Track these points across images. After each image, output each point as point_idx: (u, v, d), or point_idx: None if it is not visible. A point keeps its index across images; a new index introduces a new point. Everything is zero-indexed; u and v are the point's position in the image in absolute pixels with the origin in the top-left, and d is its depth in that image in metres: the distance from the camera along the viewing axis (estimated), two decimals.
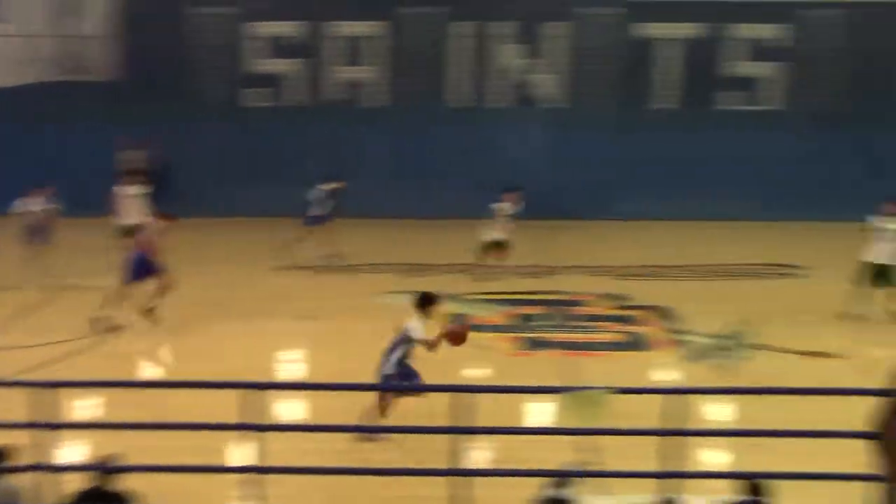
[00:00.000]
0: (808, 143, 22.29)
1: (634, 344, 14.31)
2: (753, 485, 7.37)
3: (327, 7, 24.49)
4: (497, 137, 22.35)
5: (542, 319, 15.34)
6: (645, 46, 26.03)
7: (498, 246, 17.47)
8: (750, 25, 26.22)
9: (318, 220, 18.71)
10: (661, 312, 15.59)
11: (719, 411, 11.56)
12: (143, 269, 14.64)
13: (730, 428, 10.80)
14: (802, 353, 13.68)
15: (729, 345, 14.01)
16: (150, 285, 14.78)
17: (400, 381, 10.42)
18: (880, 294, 15.38)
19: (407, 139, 22.16)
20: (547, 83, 25.89)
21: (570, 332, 14.80)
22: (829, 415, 9.48)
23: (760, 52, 26.31)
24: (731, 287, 17.28)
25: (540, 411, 11.44)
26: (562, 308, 15.86)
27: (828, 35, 26.57)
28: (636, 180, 21.90)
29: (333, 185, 18.73)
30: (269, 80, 24.56)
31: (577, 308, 15.94)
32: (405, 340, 10.53)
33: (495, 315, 15.60)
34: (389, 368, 10.51)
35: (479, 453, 10.02)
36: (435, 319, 10.78)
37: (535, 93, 25.57)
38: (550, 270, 18.01)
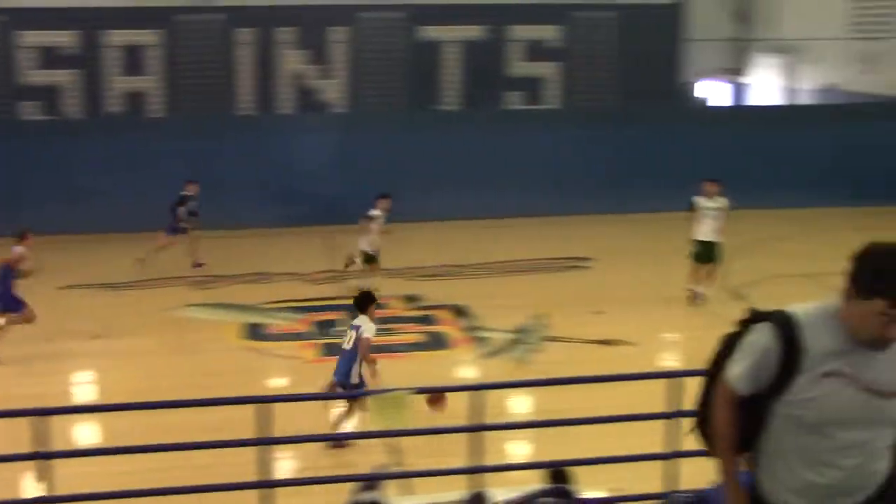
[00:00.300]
0: (586, 140, 22.99)
1: (434, 343, 14.44)
2: (558, 472, 7.54)
3: (101, 16, 23.60)
4: (284, 144, 22.03)
5: (340, 325, 15.26)
6: (428, 49, 26.38)
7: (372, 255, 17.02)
8: (528, 27, 26.96)
9: (177, 230, 18.34)
10: (458, 311, 15.80)
11: (520, 404, 11.83)
12: None
13: (531, 420, 11.05)
14: (594, 342, 14.15)
15: (524, 338, 14.33)
16: None
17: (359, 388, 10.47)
18: (703, 270, 16.17)
19: (191, 149, 21.53)
20: (332, 88, 25.88)
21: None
22: (623, 399, 9.85)
23: (538, 52, 27.11)
24: (524, 282, 17.69)
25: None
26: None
27: (600, 36, 27.65)
28: (425, 182, 22.06)
29: (187, 193, 18.39)
30: (44, 92, 23.52)
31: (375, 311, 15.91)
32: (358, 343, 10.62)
33: (293, 323, 15.42)
34: (355, 377, 10.58)
35: (286, 463, 9.88)
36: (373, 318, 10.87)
37: (320, 98, 25.50)
38: (343, 275, 17.96)
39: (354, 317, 11.06)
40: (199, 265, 18.60)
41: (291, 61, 25.52)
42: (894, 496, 4.05)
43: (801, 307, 3.98)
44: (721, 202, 16.17)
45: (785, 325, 3.90)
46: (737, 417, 4.08)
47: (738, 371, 4.06)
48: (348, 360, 10.71)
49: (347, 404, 10.80)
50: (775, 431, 4.01)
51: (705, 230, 16.12)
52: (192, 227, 18.49)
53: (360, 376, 10.70)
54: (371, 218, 16.49)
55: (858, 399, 3.83)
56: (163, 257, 18.40)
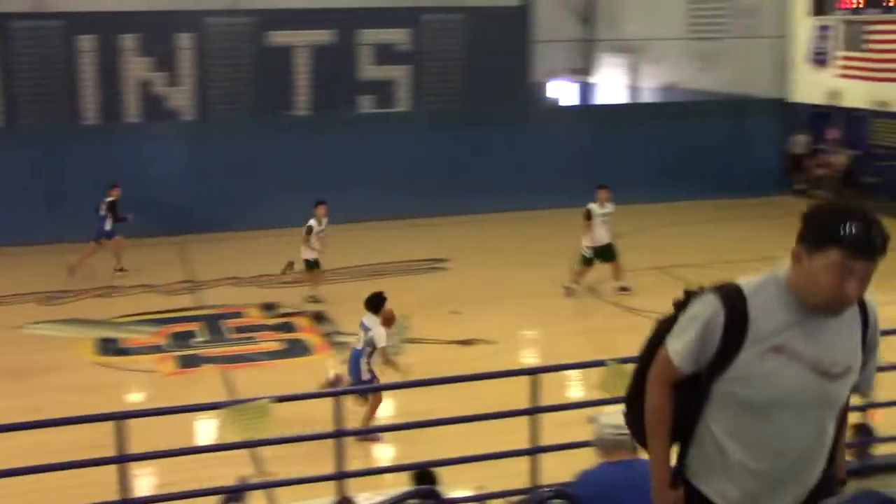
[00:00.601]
0: (438, 143, 23.16)
1: (295, 351, 14.34)
2: (423, 474, 7.60)
3: None
4: (132, 154, 21.49)
5: (198, 335, 15.01)
6: (278, 54, 26.18)
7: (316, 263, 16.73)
8: (377, 30, 27.00)
9: (105, 235, 18.09)
10: (317, 317, 15.71)
11: (383, 407, 11.84)
12: None
13: (394, 423, 11.09)
14: (454, 342, 14.29)
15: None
16: None
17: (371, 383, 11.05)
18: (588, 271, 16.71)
19: (32, 160, 20.79)
20: (180, 95, 25.43)
21: (228, 345, 14.58)
22: (484, 398, 9.98)
23: (388, 56, 27.20)
24: (382, 285, 17.54)
25: (204, 429, 11.19)
26: (217, 322, 15.58)
27: (449, 38, 27.90)
28: (278, 188, 21.87)
29: (110, 198, 18.14)
30: None
31: (232, 321, 15.72)
32: (370, 345, 11.23)
33: (149, 336, 15.07)
34: (366, 373, 11.16)
35: (148, 480, 9.66)
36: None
37: (168, 106, 25.02)
38: (199, 285, 17.66)
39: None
40: (122, 270, 18.39)
41: (137, 69, 24.95)
42: (830, 489, 3.80)
43: (746, 279, 3.69)
44: (612, 207, 16.80)
45: (731, 295, 3.61)
46: (672, 398, 3.77)
47: (679, 346, 3.71)
48: (357, 357, 11.37)
49: (364, 399, 11.04)
50: (712, 414, 3.72)
51: (600, 235, 16.58)
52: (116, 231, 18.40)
53: (371, 371, 11.28)
54: (311, 227, 16.56)
55: (804, 378, 3.57)
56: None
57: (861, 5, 23.47)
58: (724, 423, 3.68)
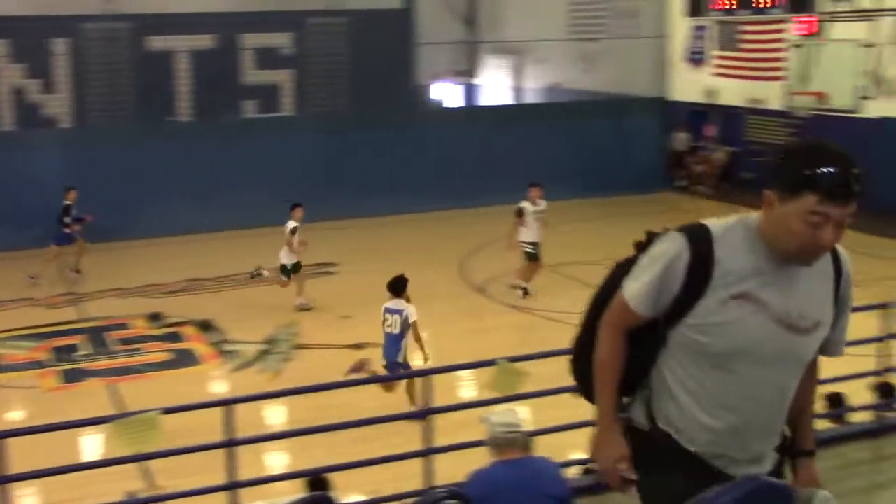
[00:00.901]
0: (324, 147, 23.04)
1: (182, 361, 14.08)
2: (316, 480, 7.54)
3: None
4: (7, 163, 20.82)
5: (81, 349, 14.62)
6: (158, 59, 25.70)
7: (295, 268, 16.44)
8: (260, 35, 26.72)
9: (66, 239, 18.04)
10: (204, 326, 15.46)
11: (274, 415, 11.73)
12: None
13: (285, 430, 10.96)
14: (346, 347, 14.23)
15: (275, 348, 14.22)
16: None
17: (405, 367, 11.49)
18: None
19: None
20: (56, 103, 24.76)
21: (114, 357, 14.24)
22: (377, 401, 9.97)
23: (272, 60, 26.94)
24: (271, 291, 17.50)
25: (90, 444, 10.90)
26: (101, 334, 15.19)
27: (332, 42, 27.76)
28: (161, 196, 21.48)
29: (67, 202, 18.06)
30: None
31: (117, 332, 15.35)
32: (405, 326, 11.61)
33: (29, 352, 14.61)
34: (402, 357, 11.62)
35: (31, 500, 9.38)
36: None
37: (44, 114, 24.32)
38: (82, 297, 17.21)
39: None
40: (77, 272, 18.30)
41: (9, 75, 24.19)
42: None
43: (714, 220, 3.39)
44: (544, 205, 17.00)
45: (697, 234, 3.33)
46: (625, 346, 3.48)
47: (637, 287, 3.40)
48: (395, 341, 11.62)
49: (390, 386, 11.37)
50: (669, 364, 3.44)
51: (533, 233, 16.72)
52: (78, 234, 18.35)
53: (405, 357, 11.66)
54: (293, 230, 16.61)
55: (769, 330, 3.31)
56: None
57: (734, 6, 24.15)
58: (681, 374, 3.43)
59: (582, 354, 3.66)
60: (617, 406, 3.58)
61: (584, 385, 3.67)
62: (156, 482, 9.36)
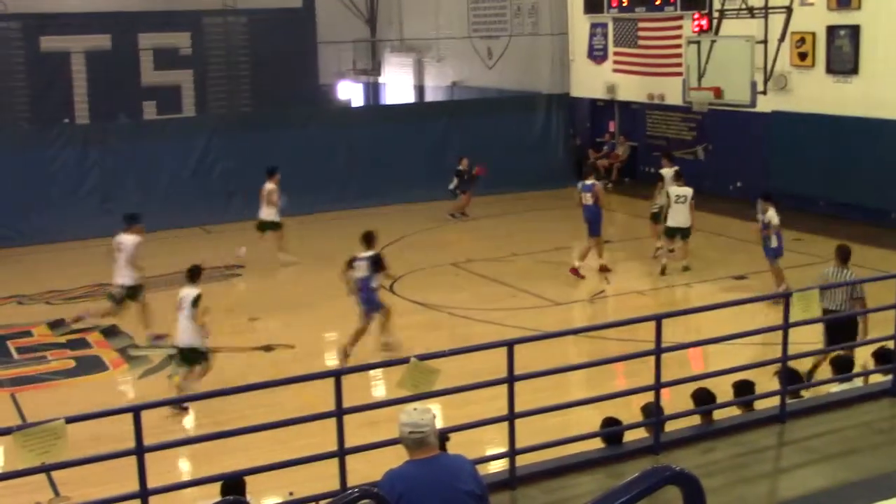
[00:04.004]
0: (225, 148, 22.76)
1: (89, 368, 13.79)
2: (231, 484, 7.48)
3: None
4: None
5: None
6: (53, 60, 25.15)
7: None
8: (158, 35, 26.34)
9: None
10: (109, 331, 15.18)
11: (184, 420, 11.61)
12: None
13: (198, 434, 10.86)
14: (254, 349, 14.13)
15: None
16: None
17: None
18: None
19: None
20: None
21: (16, 366, 13.89)
22: (290, 402, 9.93)
23: (170, 60, 26.58)
24: (176, 295, 17.23)
25: None
26: (2, 343, 14.79)
27: (232, 41, 27.50)
28: (57, 201, 21.03)
29: None
30: None
31: (19, 340, 14.97)
32: (374, 269, 13.37)
33: None
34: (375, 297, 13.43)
35: None
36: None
37: None
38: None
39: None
40: None
41: None
42: None
43: None
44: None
45: None
46: None
47: None
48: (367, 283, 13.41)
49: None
50: None
51: None
52: None
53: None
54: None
55: None
56: None
57: (630, 3, 24.52)
58: None
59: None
60: None
61: None
62: (63, 493, 9.18)
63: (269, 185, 18.50)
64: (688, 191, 16.93)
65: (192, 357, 12.18)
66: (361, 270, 13.43)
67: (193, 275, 12.44)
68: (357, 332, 13.35)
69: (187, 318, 12.10)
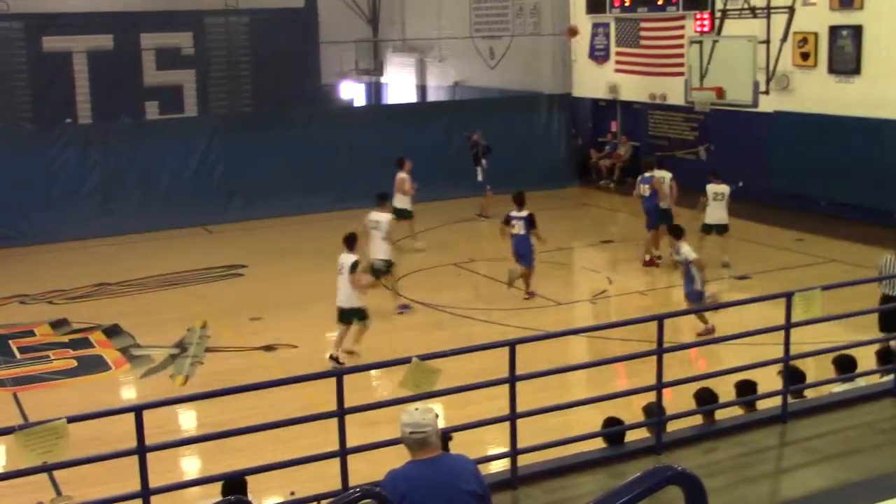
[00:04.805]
0: (228, 148, 22.75)
1: (91, 367, 13.79)
2: (232, 484, 7.48)
3: None
4: None
5: None
6: (55, 60, 25.16)
7: None
8: (160, 35, 26.34)
9: None
10: (111, 331, 15.19)
11: (187, 419, 11.61)
12: None
13: (200, 434, 10.86)
14: (257, 349, 14.13)
15: (186, 352, 14.05)
16: None
17: None
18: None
19: None
20: None
21: (19, 366, 13.90)
22: (292, 402, 9.93)
23: (172, 60, 26.57)
24: (179, 295, 17.28)
25: None
26: (5, 343, 14.80)
27: (234, 41, 27.48)
28: (60, 200, 21.02)
29: None
30: None
31: (22, 340, 14.98)
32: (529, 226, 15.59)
33: None
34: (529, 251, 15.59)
35: None
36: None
37: None
38: None
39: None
40: None
41: None
42: None
43: None
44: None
45: None
46: None
47: None
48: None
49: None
50: None
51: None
52: None
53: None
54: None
55: None
56: None
57: (632, 3, 24.50)
58: None
59: None
60: None
61: None
62: (66, 492, 9.19)
63: (401, 175, 19.11)
64: (725, 188, 17.16)
65: (353, 315, 13.47)
66: (518, 228, 15.63)
67: (351, 242, 13.49)
68: (523, 275, 15.69)
69: (347, 281, 13.19)
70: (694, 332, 13.67)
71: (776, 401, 8.53)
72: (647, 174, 17.70)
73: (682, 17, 23.03)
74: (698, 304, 13.55)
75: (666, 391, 8.22)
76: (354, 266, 13.22)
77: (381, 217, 15.48)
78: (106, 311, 16.15)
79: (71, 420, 6.89)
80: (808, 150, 20.24)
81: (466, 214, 22.31)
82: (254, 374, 12.48)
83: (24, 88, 25.01)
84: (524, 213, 15.70)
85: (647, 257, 17.64)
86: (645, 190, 17.53)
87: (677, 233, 14.29)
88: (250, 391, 8.66)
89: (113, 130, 22.85)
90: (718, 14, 21.58)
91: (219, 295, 17.11)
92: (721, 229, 17.15)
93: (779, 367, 8.62)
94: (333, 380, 7.19)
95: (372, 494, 5.09)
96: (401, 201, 18.87)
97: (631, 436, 8.23)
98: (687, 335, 13.52)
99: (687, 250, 13.93)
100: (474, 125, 22.93)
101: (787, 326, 8.37)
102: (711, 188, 17.18)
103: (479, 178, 22.09)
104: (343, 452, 7.17)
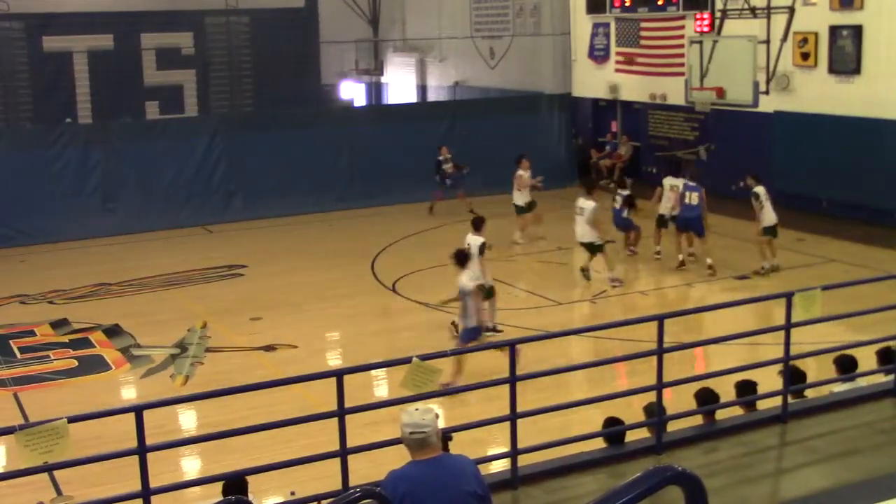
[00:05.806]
0: (227, 147, 22.73)
1: (91, 367, 13.80)
2: (234, 484, 7.48)
3: None
4: None
5: None
6: (56, 60, 25.15)
7: None
8: (160, 35, 26.33)
9: None
10: (112, 331, 15.19)
11: (188, 419, 11.62)
12: None
13: (201, 434, 10.86)
14: (258, 349, 14.13)
15: (186, 352, 14.05)
16: None
17: None
18: None
19: None
20: None
21: (19, 366, 13.90)
22: (292, 402, 9.94)
23: (173, 60, 26.57)
24: (179, 295, 17.28)
25: None
26: (6, 343, 14.79)
27: (235, 41, 27.48)
28: (60, 201, 21.01)
29: None
30: None
31: (22, 340, 14.98)
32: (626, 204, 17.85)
33: None
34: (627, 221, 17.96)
35: None
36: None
37: None
38: None
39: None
40: None
41: None
42: None
43: None
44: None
45: None
46: None
47: None
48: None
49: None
50: None
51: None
52: None
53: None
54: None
55: None
56: None
57: (632, 3, 24.49)
58: None
59: None
60: None
61: None
62: (67, 492, 9.19)
63: (519, 172, 19.69)
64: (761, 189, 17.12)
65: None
66: (617, 203, 18.10)
67: (477, 225, 14.30)
68: (635, 238, 18.22)
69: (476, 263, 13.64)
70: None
71: (776, 401, 8.53)
72: (690, 182, 17.60)
73: (683, 17, 23.01)
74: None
75: (666, 391, 8.22)
76: (482, 248, 13.98)
77: (587, 204, 16.83)
78: (106, 311, 16.15)
79: (71, 420, 6.89)
80: (809, 150, 20.23)
81: (466, 214, 22.27)
82: (254, 374, 12.50)
83: (25, 88, 25.01)
84: (625, 193, 18.20)
85: (681, 257, 17.60)
86: (693, 198, 17.32)
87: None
88: (250, 391, 8.68)
89: (113, 130, 22.85)
90: (718, 14, 21.56)
91: (219, 295, 17.11)
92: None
93: (779, 367, 8.62)
94: (333, 380, 7.19)
95: (372, 494, 5.09)
96: (519, 197, 19.80)
97: (631, 436, 8.23)
98: (687, 335, 13.52)
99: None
100: (473, 127, 22.94)
101: (788, 326, 8.37)
102: (761, 190, 17.07)
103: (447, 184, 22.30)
104: (343, 452, 7.17)
